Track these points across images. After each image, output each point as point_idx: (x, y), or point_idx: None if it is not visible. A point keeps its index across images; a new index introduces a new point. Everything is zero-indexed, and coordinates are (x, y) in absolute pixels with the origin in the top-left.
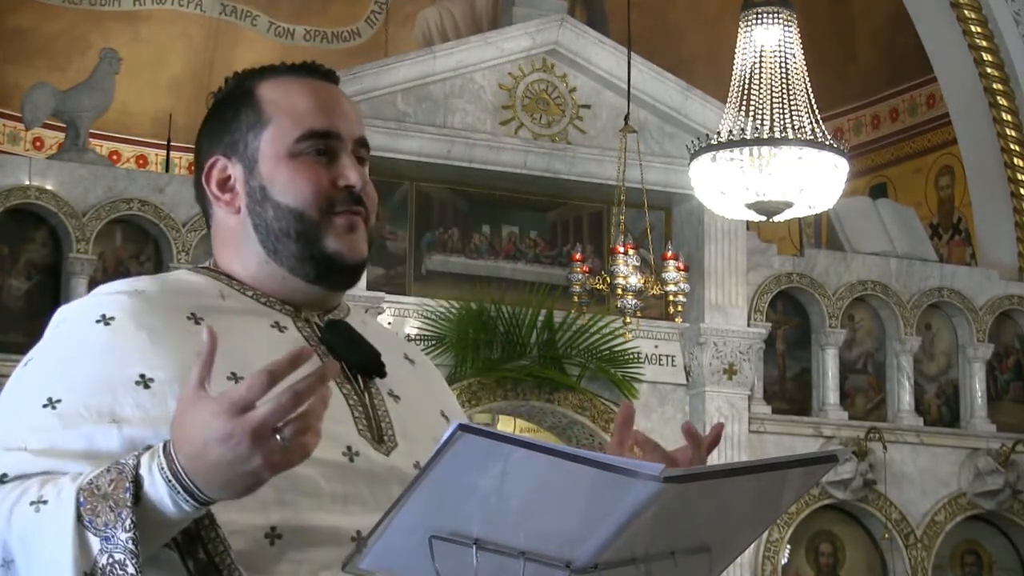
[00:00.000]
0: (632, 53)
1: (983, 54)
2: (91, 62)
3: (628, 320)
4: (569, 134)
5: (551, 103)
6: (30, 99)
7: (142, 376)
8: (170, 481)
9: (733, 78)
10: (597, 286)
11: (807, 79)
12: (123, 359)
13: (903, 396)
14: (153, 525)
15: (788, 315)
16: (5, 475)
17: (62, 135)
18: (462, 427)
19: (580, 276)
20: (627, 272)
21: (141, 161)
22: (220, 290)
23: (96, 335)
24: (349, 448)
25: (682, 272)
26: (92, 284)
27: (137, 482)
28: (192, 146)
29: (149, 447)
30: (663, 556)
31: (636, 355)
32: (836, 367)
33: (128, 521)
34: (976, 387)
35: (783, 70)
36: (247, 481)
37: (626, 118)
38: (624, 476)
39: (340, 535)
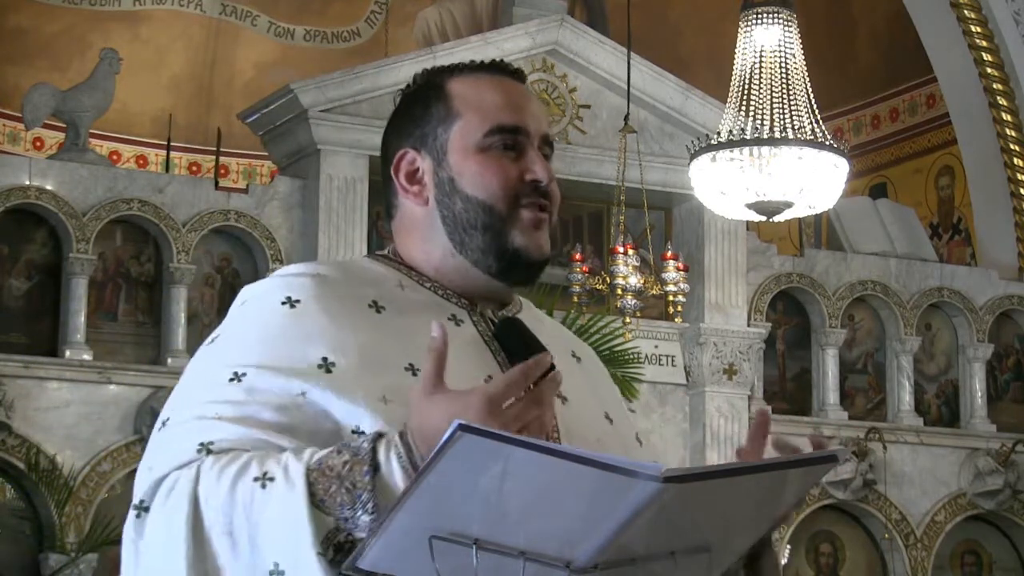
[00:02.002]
0: (632, 53)
1: (983, 54)
2: (91, 62)
3: (628, 320)
4: (569, 134)
5: (551, 103)
6: (30, 99)
7: (324, 359)
8: (407, 471)
9: (733, 78)
10: (597, 286)
11: (807, 79)
12: (307, 341)
13: (903, 396)
14: (383, 510)
15: (788, 315)
16: (211, 443)
17: (62, 135)
18: (462, 427)
19: (580, 276)
20: (627, 272)
21: (141, 161)
22: (400, 280)
23: (282, 316)
24: None
25: (682, 272)
26: (92, 284)
27: (375, 466)
28: (192, 146)
29: (380, 434)
30: (663, 556)
31: (636, 355)
32: (836, 367)
33: (370, 504)
34: (976, 387)
35: (783, 70)
36: None
37: (626, 118)
38: (624, 476)
39: None
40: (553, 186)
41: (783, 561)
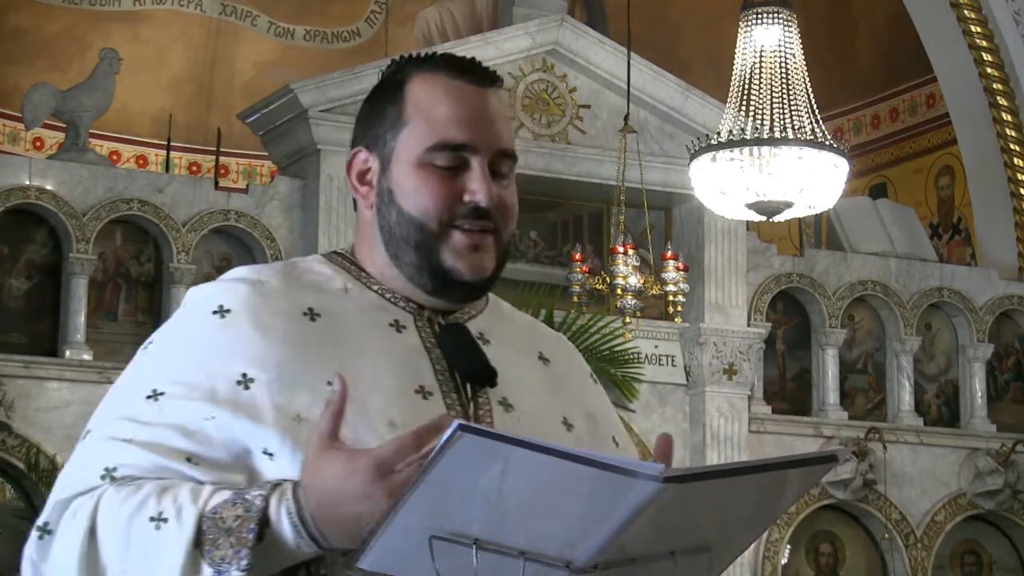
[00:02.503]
0: (632, 53)
1: (983, 54)
2: (91, 62)
3: (628, 320)
4: (569, 134)
5: (551, 103)
6: (30, 99)
7: (244, 375)
8: (296, 527)
9: (733, 78)
10: (597, 286)
11: (807, 79)
12: (230, 354)
13: (903, 396)
14: (271, 560)
15: (788, 315)
16: (116, 469)
17: (62, 135)
18: (462, 427)
19: (580, 276)
20: (627, 272)
21: (141, 161)
22: (346, 283)
23: (210, 327)
24: None
25: (682, 272)
26: (92, 284)
27: (263, 522)
28: (192, 146)
29: (276, 484)
30: (663, 556)
31: (636, 355)
32: (836, 367)
33: (245, 562)
34: (976, 387)
35: (783, 70)
36: (367, 532)
37: (626, 118)
38: (624, 476)
39: None
40: (505, 199)
41: (783, 561)
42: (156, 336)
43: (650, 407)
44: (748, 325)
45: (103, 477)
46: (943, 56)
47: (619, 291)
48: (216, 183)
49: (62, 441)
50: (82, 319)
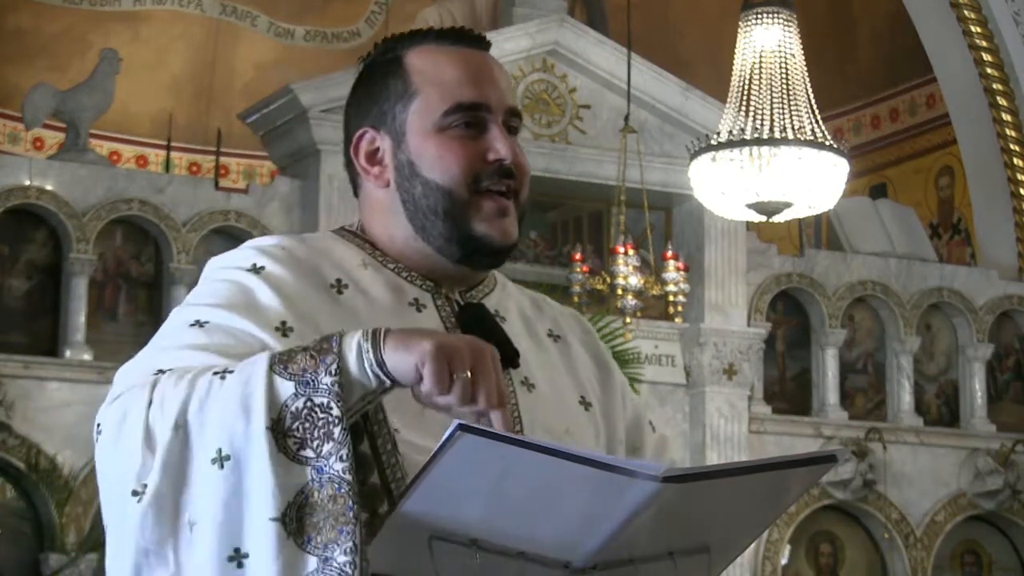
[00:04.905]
0: (632, 53)
1: (983, 54)
2: (91, 62)
3: (628, 320)
4: (569, 134)
5: (551, 103)
6: (30, 99)
7: (283, 323)
8: (363, 344)
9: (733, 78)
10: (597, 286)
11: (807, 79)
12: (270, 303)
13: (903, 396)
14: (344, 375)
15: (788, 315)
16: (170, 369)
17: (62, 135)
18: (462, 427)
19: (580, 276)
20: (627, 272)
21: (141, 161)
22: (363, 259)
23: (248, 279)
24: None
25: (682, 272)
26: (92, 284)
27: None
28: (192, 146)
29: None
30: (662, 556)
31: (636, 355)
32: (836, 367)
33: (334, 366)
34: (976, 387)
35: (783, 70)
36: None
37: (626, 118)
38: (623, 476)
39: None
40: (519, 159)
41: (783, 561)
42: (189, 297)
43: (650, 407)
44: (748, 325)
45: (156, 374)
46: (943, 56)
47: (619, 291)
48: (216, 183)
49: (62, 441)
50: (82, 319)
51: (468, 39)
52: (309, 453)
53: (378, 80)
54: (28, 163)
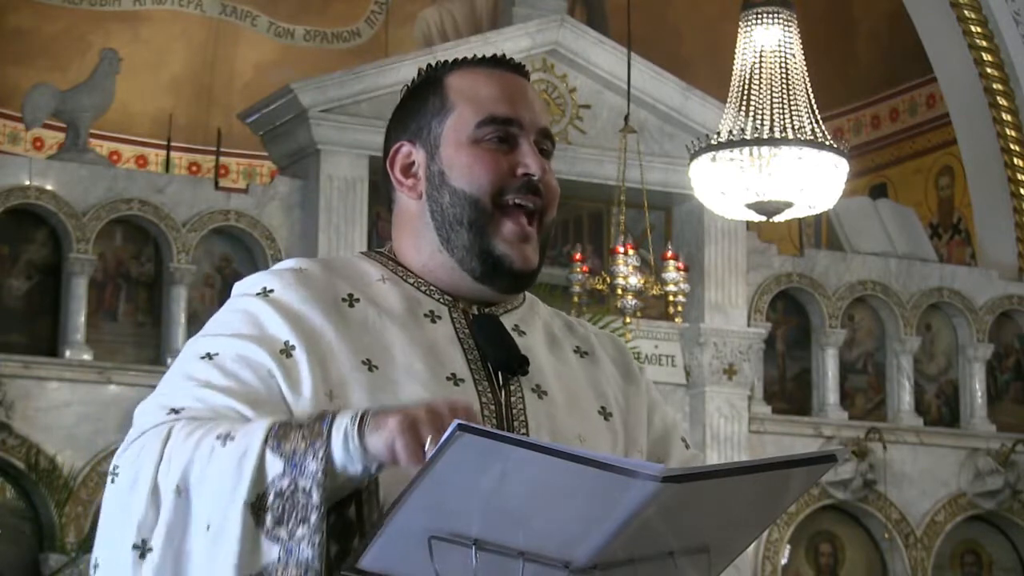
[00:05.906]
0: (632, 53)
1: (983, 54)
2: (91, 62)
3: (628, 320)
4: (569, 134)
5: (551, 103)
6: (30, 99)
7: (286, 343)
8: (350, 429)
9: (733, 78)
10: (597, 286)
11: (807, 79)
12: (274, 326)
13: (903, 396)
14: (329, 463)
15: (788, 315)
16: (182, 408)
17: (62, 135)
18: (461, 427)
19: (580, 276)
20: (627, 272)
21: (141, 161)
22: (383, 275)
23: (254, 305)
24: None
25: (682, 272)
26: (92, 284)
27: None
28: (192, 146)
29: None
30: (662, 556)
31: (636, 355)
32: (836, 367)
33: (321, 452)
34: (976, 387)
35: (783, 70)
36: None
37: (626, 118)
38: (623, 476)
39: None
40: (548, 178)
41: (783, 561)
42: (206, 326)
43: None
44: (748, 325)
45: (168, 415)
46: (943, 56)
47: (619, 291)
48: (216, 183)
49: (62, 441)
50: (82, 319)
51: (507, 65)
52: (283, 533)
53: (418, 99)
54: (28, 163)
